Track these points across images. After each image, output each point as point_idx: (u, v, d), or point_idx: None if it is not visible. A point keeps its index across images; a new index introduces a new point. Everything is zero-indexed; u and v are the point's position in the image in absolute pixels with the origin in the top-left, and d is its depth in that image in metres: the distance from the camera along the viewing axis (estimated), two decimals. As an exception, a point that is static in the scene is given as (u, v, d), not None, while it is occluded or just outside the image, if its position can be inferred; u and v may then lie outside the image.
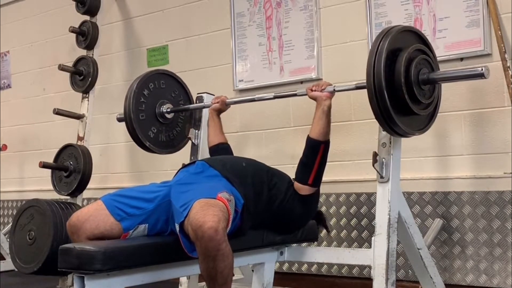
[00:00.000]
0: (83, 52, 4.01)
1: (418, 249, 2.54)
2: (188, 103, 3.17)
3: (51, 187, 3.80)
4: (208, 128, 3.02)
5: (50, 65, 4.59)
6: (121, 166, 4.26)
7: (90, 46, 3.97)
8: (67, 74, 3.98)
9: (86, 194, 3.81)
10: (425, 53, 2.36)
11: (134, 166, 4.14)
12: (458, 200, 2.94)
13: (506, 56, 2.75)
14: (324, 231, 2.96)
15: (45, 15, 4.79)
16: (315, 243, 3.10)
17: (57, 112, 3.85)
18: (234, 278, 2.96)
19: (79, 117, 3.91)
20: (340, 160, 3.23)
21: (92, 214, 2.21)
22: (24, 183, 4.87)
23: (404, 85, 2.23)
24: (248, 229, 2.40)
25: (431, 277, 2.59)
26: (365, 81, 2.26)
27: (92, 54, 3.96)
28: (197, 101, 3.17)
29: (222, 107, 2.97)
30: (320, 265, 3.33)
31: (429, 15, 3.03)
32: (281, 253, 2.73)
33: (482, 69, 2.24)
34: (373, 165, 2.41)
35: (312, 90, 2.55)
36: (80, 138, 3.86)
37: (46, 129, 4.69)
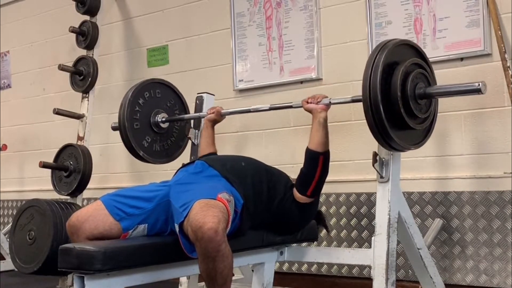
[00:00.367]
0: (83, 52, 4.01)
1: (418, 249, 2.54)
2: (184, 113, 3.14)
3: (51, 187, 3.79)
4: (200, 138, 3.02)
5: (50, 65, 4.59)
6: (121, 166, 4.26)
7: (90, 46, 3.96)
8: (67, 74, 3.98)
9: (86, 194, 3.81)
10: (422, 67, 2.33)
11: (134, 166, 4.13)
12: (458, 200, 2.94)
13: (506, 56, 2.74)
14: (324, 231, 2.96)
15: (45, 15, 4.79)
16: (315, 243, 3.10)
17: (57, 112, 3.85)
18: (234, 278, 2.96)
19: (79, 117, 3.91)
20: (340, 160, 3.22)
21: (92, 214, 2.21)
22: (24, 183, 4.87)
23: (400, 99, 2.19)
24: (248, 229, 2.40)
25: (431, 277, 2.59)
26: (361, 93, 2.22)
27: (92, 54, 3.96)
28: (197, 101, 3.17)
29: (217, 117, 2.95)
30: (320, 265, 3.33)
31: (429, 15, 3.03)
32: (281, 253, 2.73)
33: (479, 85, 2.20)
34: (373, 165, 2.40)
35: (307, 102, 2.53)
36: (80, 138, 3.86)
37: (46, 129, 4.69)
